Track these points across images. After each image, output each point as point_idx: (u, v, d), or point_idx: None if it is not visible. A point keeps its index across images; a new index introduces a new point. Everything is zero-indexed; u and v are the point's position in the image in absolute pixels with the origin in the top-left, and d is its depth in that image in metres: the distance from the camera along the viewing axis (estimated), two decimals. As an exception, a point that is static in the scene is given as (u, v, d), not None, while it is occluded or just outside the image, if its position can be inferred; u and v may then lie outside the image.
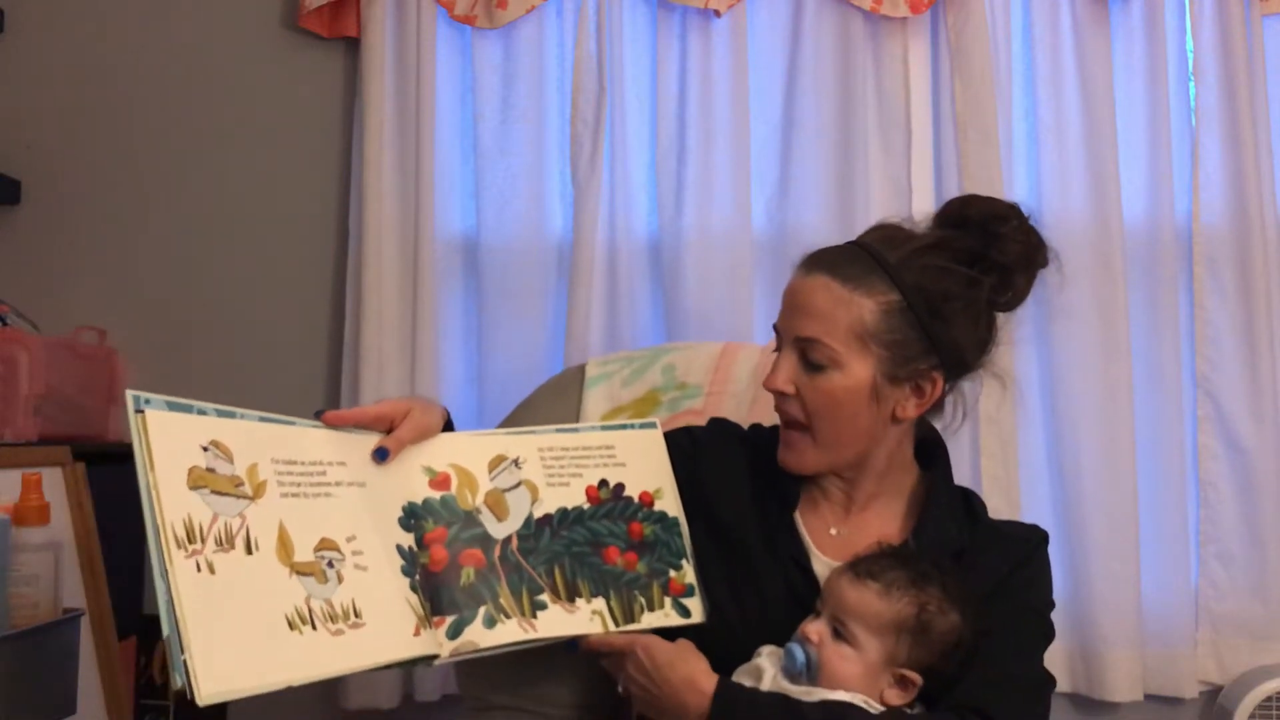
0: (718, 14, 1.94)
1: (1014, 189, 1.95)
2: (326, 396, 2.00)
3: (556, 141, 2.00)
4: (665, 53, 1.95)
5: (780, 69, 1.99)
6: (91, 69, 2.04)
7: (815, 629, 1.07)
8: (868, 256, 1.13)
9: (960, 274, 1.12)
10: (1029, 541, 1.20)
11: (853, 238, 1.21)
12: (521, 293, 1.95)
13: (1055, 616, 1.19)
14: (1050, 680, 1.14)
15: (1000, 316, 1.18)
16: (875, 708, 1.05)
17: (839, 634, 1.07)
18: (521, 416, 1.56)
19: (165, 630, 0.86)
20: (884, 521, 1.21)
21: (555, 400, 1.57)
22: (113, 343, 1.98)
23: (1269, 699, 1.81)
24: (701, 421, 1.39)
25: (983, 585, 1.12)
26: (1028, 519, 1.57)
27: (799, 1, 1.97)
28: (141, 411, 0.93)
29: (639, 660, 1.09)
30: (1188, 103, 1.98)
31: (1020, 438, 1.91)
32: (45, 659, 1.30)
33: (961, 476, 1.72)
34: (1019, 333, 1.93)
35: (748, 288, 1.91)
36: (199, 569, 0.89)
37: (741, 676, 1.11)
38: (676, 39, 1.96)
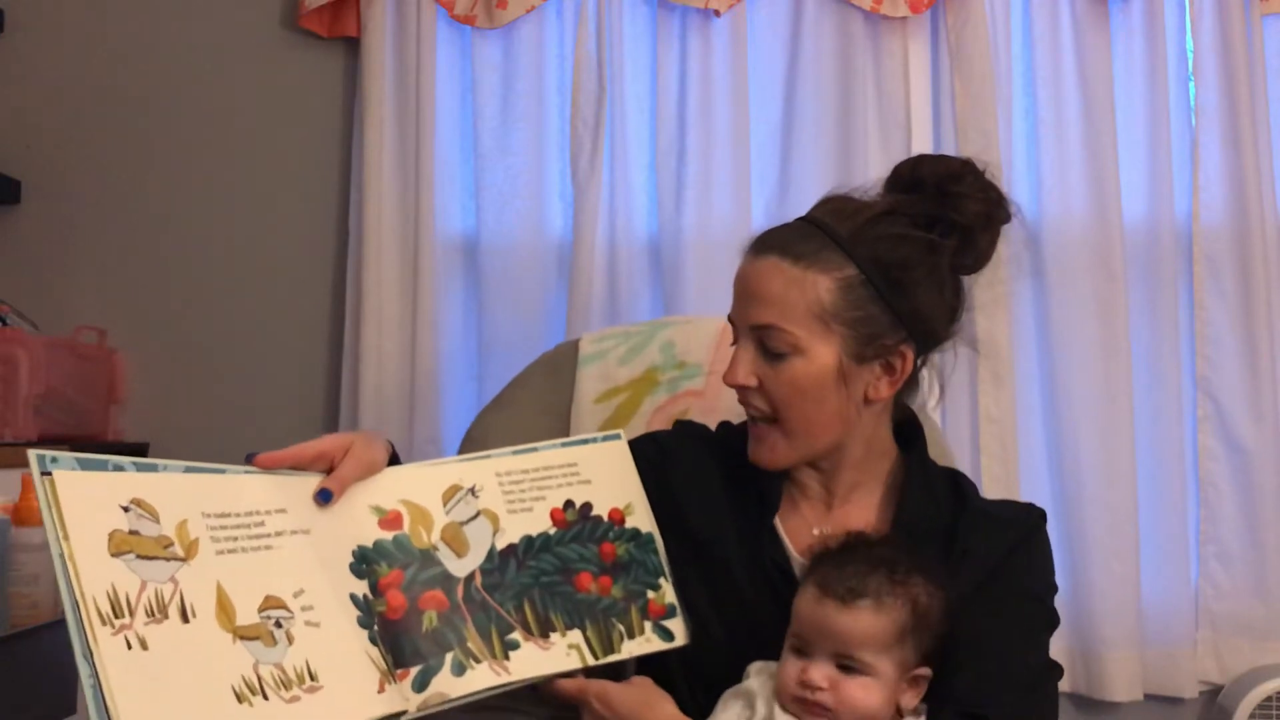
0: (718, 14, 1.94)
1: (1014, 189, 1.95)
2: (326, 396, 2.00)
3: (556, 141, 2.00)
4: (665, 53, 1.95)
5: (780, 69, 1.99)
6: (91, 69, 2.04)
7: (822, 674, 0.96)
8: (819, 231, 1.06)
9: (919, 239, 1.06)
10: (1024, 523, 1.12)
11: None
12: (522, 293, 1.95)
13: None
14: (1055, 669, 1.08)
15: (967, 281, 1.12)
16: None
17: (848, 668, 0.97)
18: (513, 395, 1.52)
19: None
20: (864, 511, 1.14)
21: (548, 380, 1.51)
22: (113, 343, 1.98)
23: (1269, 699, 1.82)
24: (703, 405, 1.34)
25: (977, 572, 1.05)
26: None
27: (799, 1, 1.97)
28: (49, 473, 0.82)
29: (596, 711, 1.01)
30: (1188, 103, 1.98)
31: (1020, 437, 1.91)
32: (45, 659, 1.30)
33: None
34: (1019, 333, 1.95)
35: (748, 287, 1.91)
36: (129, 646, 0.79)
37: (732, 700, 1.03)
38: (676, 39, 1.96)
